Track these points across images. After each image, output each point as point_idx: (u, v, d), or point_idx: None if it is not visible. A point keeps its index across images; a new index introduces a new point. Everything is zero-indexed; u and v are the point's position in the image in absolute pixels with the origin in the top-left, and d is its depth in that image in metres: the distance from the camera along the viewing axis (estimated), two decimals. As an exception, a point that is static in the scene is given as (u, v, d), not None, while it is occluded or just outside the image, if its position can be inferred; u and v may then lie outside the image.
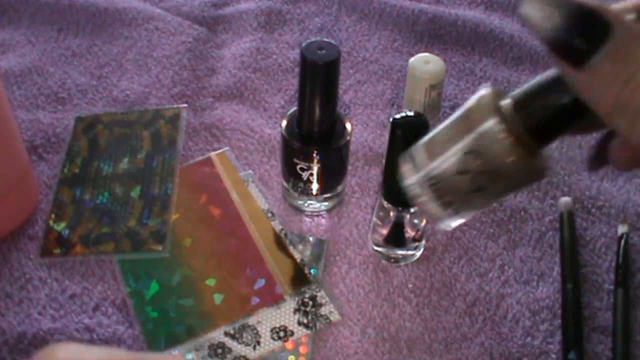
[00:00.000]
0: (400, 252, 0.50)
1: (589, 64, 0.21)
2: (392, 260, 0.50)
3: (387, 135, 0.60)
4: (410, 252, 0.50)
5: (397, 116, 0.43)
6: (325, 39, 0.46)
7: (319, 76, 0.46)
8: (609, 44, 0.20)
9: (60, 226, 0.52)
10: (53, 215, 0.53)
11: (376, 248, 0.50)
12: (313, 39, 0.46)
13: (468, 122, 0.28)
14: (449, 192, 0.29)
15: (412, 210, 0.47)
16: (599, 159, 0.27)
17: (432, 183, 0.30)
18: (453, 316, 0.48)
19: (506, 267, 0.51)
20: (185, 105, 0.63)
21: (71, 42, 0.70)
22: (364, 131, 0.61)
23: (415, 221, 0.48)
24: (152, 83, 0.65)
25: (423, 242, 0.51)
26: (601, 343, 0.47)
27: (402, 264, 0.50)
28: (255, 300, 0.47)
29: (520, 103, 0.27)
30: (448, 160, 0.29)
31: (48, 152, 0.58)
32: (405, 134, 0.42)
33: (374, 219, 0.49)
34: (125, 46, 0.70)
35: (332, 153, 0.50)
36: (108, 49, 0.69)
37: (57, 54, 0.68)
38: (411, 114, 0.43)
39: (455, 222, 0.31)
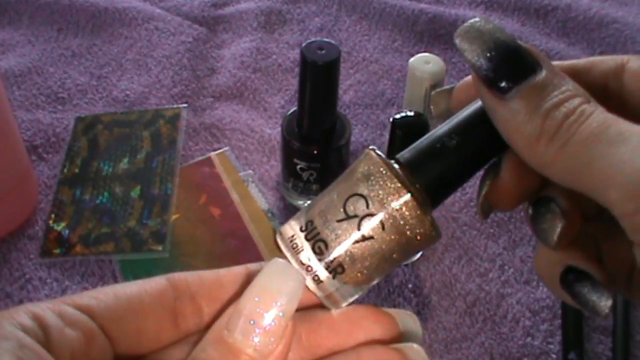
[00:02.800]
0: None
1: (511, 94, 0.22)
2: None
3: (387, 135, 0.60)
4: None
5: (397, 116, 0.43)
6: (325, 39, 0.46)
7: (319, 76, 0.46)
8: (532, 78, 0.22)
9: (60, 226, 0.52)
10: (53, 215, 0.53)
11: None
12: (313, 39, 0.46)
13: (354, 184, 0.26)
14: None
15: None
16: (487, 204, 0.27)
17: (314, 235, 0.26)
18: (453, 316, 0.48)
19: (506, 267, 0.51)
20: (185, 105, 0.63)
21: (71, 42, 0.70)
22: (364, 131, 0.61)
23: None
24: (152, 83, 0.65)
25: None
26: (601, 343, 0.47)
27: (402, 264, 0.50)
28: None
29: (412, 161, 0.25)
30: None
31: (48, 152, 0.58)
32: (405, 133, 0.42)
33: None
34: (125, 46, 0.70)
35: (332, 153, 0.50)
36: (108, 49, 0.69)
37: (57, 54, 0.68)
38: (411, 114, 0.43)
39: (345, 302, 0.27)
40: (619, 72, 0.25)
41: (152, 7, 0.74)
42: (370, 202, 0.25)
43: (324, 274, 0.25)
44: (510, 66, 0.22)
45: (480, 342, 0.46)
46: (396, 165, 0.26)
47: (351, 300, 0.26)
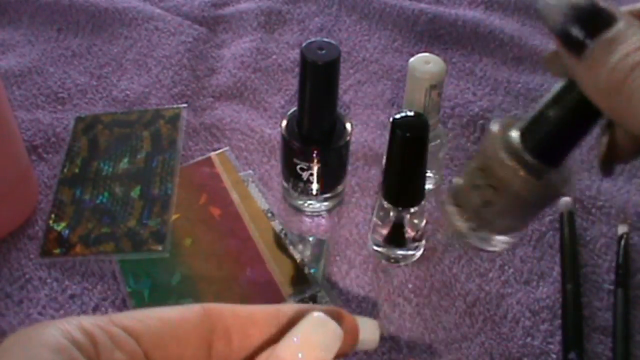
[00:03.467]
0: (400, 252, 0.50)
1: (587, 52, 0.22)
2: (392, 261, 0.50)
3: (387, 135, 0.60)
4: (410, 253, 0.50)
5: (397, 116, 0.43)
6: (325, 39, 0.46)
7: (319, 76, 0.46)
8: (608, 33, 0.22)
9: (60, 226, 0.52)
10: (53, 215, 0.53)
11: (376, 248, 0.50)
12: (313, 39, 0.46)
13: (484, 157, 0.30)
14: (465, 207, 0.31)
15: (412, 210, 0.47)
16: (607, 161, 0.28)
17: (453, 198, 0.32)
18: (453, 316, 0.48)
19: (506, 267, 0.51)
20: (185, 105, 0.63)
21: (71, 42, 0.70)
22: (364, 131, 0.61)
23: (416, 221, 0.48)
24: (152, 83, 0.65)
25: (423, 242, 0.51)
26: (601, 343, 0.47)
27: (402, 264, 0.50)
28: (255, 300, 0.47)
29: (525, 130, 0.29)
30: (465, 177, 0.31)
31: (48, 152, 0.58)
32: (405, 134, 0.42)
33: (374, 219, 0.49)
34: (125, 46, 0.70)
35: (332, 153, 0.50)
36: (108, 49, 0.69)
37: (57, 54, 0.68)
38: (411, 114, 0.43)
39: (492, 245, 0.33)
40: None
41: (152, 7, 0.74)
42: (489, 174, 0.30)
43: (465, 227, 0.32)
44: (583, 24, 0.22)
45: (480, 342, 0.46)
46: (514, 136, 0.29)
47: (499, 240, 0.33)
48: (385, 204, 0.47)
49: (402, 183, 0.46)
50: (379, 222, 0.49)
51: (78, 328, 0.24)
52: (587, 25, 0.23)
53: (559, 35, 0.23)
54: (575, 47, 0.23)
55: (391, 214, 0.48)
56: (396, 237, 0.49)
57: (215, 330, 0.27)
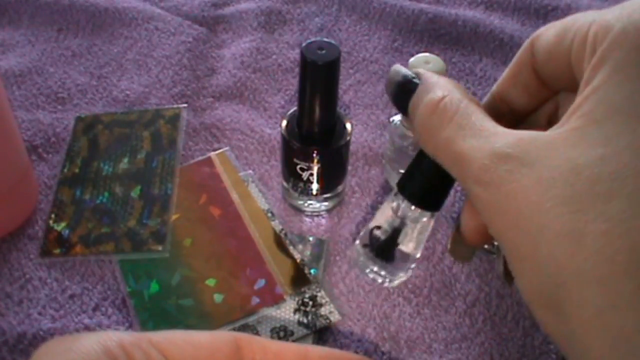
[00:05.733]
0: (381, 267, 0.41)
1: (408, 112, 0.29)
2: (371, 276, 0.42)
3: (387, 135, 0.60)
4: (395, 275, 0.41)
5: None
6: (325, 39, 0.46)
7: (319, 76, 0.46)
8: (414, 95, 0.29)
9: (60, 226, 0.52)
10: (53, 215, 0.53)
11: (361, 252, 0.41)
12: (313, 39, 0.46)
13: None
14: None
15: (424, 219, 0.41)
16: (456, 249, 0.33)
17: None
18: (453, 316, 0.48)
19: (506, 267, 0.51)
20: (185, 105, 0.63)
21: (71, 42, 0.70)
22: (364, 131, 0.61)
23: (414, 235, 0.42)
24: (152, 83, 0.65)
25: (409, 271, 0.43)
26: (601, 343, 0.46)
27: (381, 281, 0.42)
28: (255, 300, 0.47)
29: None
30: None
31: (48, 152, 0.58)
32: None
33: (377, 218, 0.43)
34: (125, 46, 0.70)
35: (332, 153, 0.50)
36: (108, 49, 0.69)
37: (57, 54, 0.68)
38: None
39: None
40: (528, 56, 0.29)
41: (152, 7, 0.74)
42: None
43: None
44: (399, 94, 0.30)
45: (480, 342, 0.46)
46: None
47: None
48: (398, 203, 0.41)
49: (427, 181, 0.40)
50: (378, 221, 0.44)
51: (118, 345, 0.24)
52: (402, 94, 0.30)
53: (393, 104, 0.30)
54: (402, 111, 0.30)
55: (398, 214, 0.42)
56: (388, 246, 0.40)
57: None
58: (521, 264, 0.23)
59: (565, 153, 0.23)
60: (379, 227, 0.39)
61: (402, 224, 0.39)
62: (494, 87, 0.31)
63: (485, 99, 0.32)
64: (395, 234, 0.39)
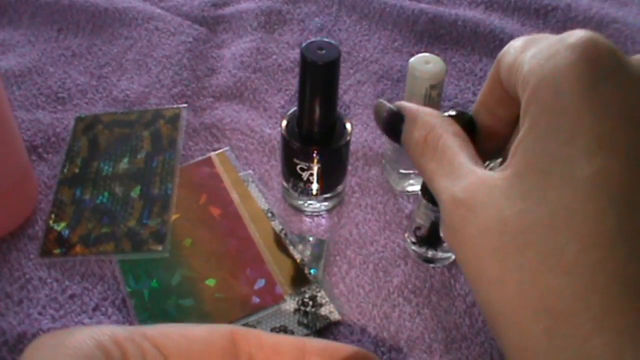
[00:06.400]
0: (434, 252, 0.50)
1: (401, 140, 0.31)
2: (427, 261, 0.50)
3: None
4: (446, 255, 0.50)
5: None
6: (325, 39, 0.46)
7: (319, 76, 0.46)
8: (403, 133, 0.31)
9: (60, 226, 0.52)
10: (53, 215, 0.53)
11: (413, 247, 0.50)
12: (313, 39, 0.46)
13: None
14: None
15: None
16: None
17: None
18: (453, 316, 0.48)
19: (506, 267, 0.51)
20: (185, 105, 0.63)
21: (71, 42, 0.70)
22: (364, 131, 0.61)
23: None
24: (152, 83, 0.65)
25: None
26: (601, 343, 0.46)
27: (438, 265, 0.50)
28: (255, 300, 0.47)
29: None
30: None
31: (48, 152, 0.58)
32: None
33: (416, 218, 0.49)
34: (125, 46, 0.70)
35: (332, 153, 0.50)
36: (108, 49, 0.69)
37: (57, 54, 0.68)
38: (453, 113, 0.41)
39: None
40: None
41: (152, 7, 0.74)
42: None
43: None
44: (388, 132, 0.33)
45: (480, 342, 0.46)
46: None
47: None
48: (424, 204, 0.47)
49: None
50: (416, 221, 0.49)
51: (111, 339, 0.24)
52: (391, 129, 0.32)
53: (384, 133, 0.33)
54: (393, 138, 0.32)
55: (429, 213, 0.48)
56: (431, 238, 0.49)
57: (240, 355, 0.27)
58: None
59: (498, 203, 0.25)
60: (419, 228, 0.49)
61: (437, 217, 0.47)
62: (478, 97, 0.32)
63: (472, 108, 0.33)
64: (434, 226, 0.48)
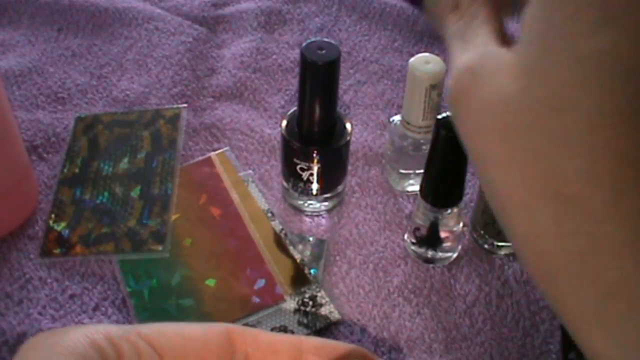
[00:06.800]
0: (434, 252, 0.50)
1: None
2: (427, 261, 0.50)
3: (387, 135, 0.60)
4: (446, 255, 0.50)
5: (440, 116, 0.43)
6: (325, 39, 0.46)
7: (319, 76, 0.46)
8: None
9: (60, 226, 0.52)
10: (53, 215, 0.53)
11: (412, 248, 0.50)
12: (313, 39, 0.46)
13: None
14: None
15: (448, 211, 0.47)
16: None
17: None
18: (453, 316, 0.48)
19: (506, 267, 0.51)
20: (185, 105, 0.63)
21: (71, 42, 0.70)
22: (364, 131, 0.61)
23: (451, 224, 0.48)
24: (152, 83, 0.65)
25: (459, 246, 0.51)
26: (601, 343, 0.46)
27: (438, 265, 0.50)
28: (255, 300, 0.47)
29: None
30: None
31: (48, 152, 0.58)
32: (449, 133, 0.42)
33: (415, 219, 0.49)
34: (125, 46, 0.70)
35: (332, 153, 0.50)
36: (108, 49, 0.69)
37: (57, 54, 0.68)
38: None
39: None
40: None
41: (152, 7, 0.74)
42: None
43: None
44: None
45: (480, 342, 0.46)
46: None
47: None
48: (423, 205, 0.47)
49: (441, 183, 0.46)
50: (415, 222, 0.49)
51: (106, 338, 0.24)
52: None
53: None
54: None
55: (428, 214, 0.48)
56: (431, 238, 0.49)
57: (236, 354, 0.27)
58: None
59: (502, 78, 0.24)
60: (418, 228, 0.49)
61: (436, 218, 0.48)
62: None
63: None
64: (433, 227, 0.48)
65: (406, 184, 0.55)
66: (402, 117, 0.53)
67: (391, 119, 0.55)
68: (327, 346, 0.28)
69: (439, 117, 0.43)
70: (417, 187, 0.55)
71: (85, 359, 0.23)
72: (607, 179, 0.21)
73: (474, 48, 0.26)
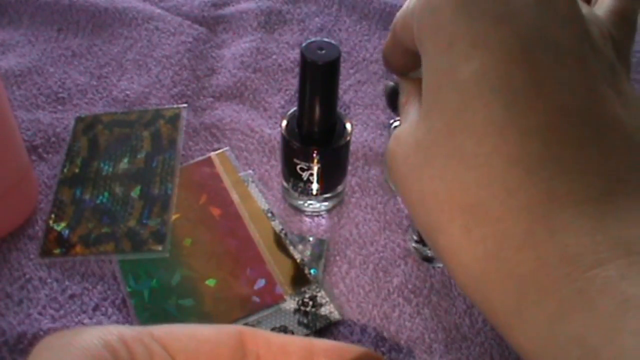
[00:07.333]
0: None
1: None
2: (427, 260, 0.51)
3: (387, 135, 0.60)
4: None
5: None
6: (325, 39, 0.46)
7: (319, 76, 0.46)
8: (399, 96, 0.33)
9: (60, 226, 0.52)
10: (53, 215, 0.53)
11: (414, 245, 0.51)
12: (313, 39, 0.46)
13: None
14: None
15: None
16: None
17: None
18: (453, 316, 0.48)
19: (506, 267, 0.51)
20: (185, 105, 0.63)
21: (71, 42, 0.70)
22: (364, 131, 0.61)
23: None
24: (152, 83, 0.65)
25: None
26: (601, 343, 0.46)
27: (436, 265, 0.50)
28: (255, 300, 0.47)
29: None
30: None
31: (48, 152, 0.58)
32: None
33: None
34: (125, 46, 0.70)
35: (332, 153, 0.50)
36: (108, 49, 0.69)
37: (57, 54, 0.68)
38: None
39: None
40: None
41: (152, 7, 0.74)
42: None
43: None
44: (390, 104, 0.37)
45: (480, 342, 0.46)
46: None
47: None
48: None
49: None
50: None
51: (119, 340, 0.24)
52: (392, 101, 0.35)
53: (390, 109, 0.36)
54: (393, 110, 0.35)
55: None
56: None
57: (247, 356, 0.27)
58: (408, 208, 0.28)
59: (414, 130, 0.27)
60: None
61: None
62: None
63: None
64: None
65: None
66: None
67: (391, 121, 0.55)
68: (338, 349, 0.29)
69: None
70: None
71: None
72: (499, 180, 0.23)
73: (403, 122, 0.29)
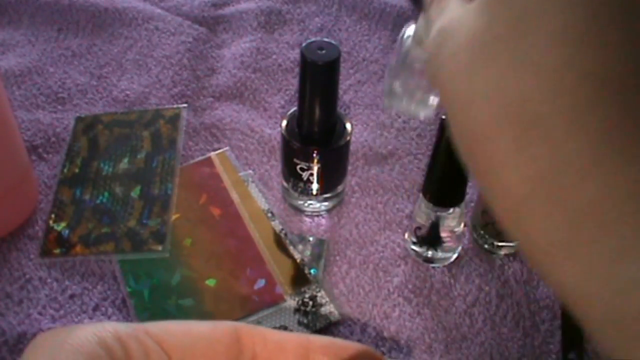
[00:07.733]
0: (434, 253, 0.50)
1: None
2: (427, 261, 0.51)
3: (387, 135, 0.60)
4: (447, 255, 0.50)
5: (445, 116, 0.43)
6: (325, 39, 0.46)
7: (319, 76, 0.46)
8: None
9: (60, 226, 0.52)
10: (53, 215, 0.53)
11: (413, 247, 0.51)
12: (313, 39, 0.46)
13: None
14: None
15: (449, 211, 0.47)
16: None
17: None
18: (453, 316, 0.48)
19: (506, 267, 0.51)
20: (185, 105, 0.63)
21: (71, 42, 0.70)
22: (364, 131, 0.61)
23: (452, 224, 0.48)
24: (152, 83, 0.65)
25: (459, 247, 0.51)
26: (601, 343, 0.46)
27: (436, 265, 0.50)
28: (255, 300, 0.47)
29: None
30: None
31: (48, 152, 0.58)
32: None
33: (416, 218, 0.49)
34: (125, 46, 0.70)
35: (332, 153, 0.50)
36: (108, 49, 0.69)
37: (57, 54, 0.68)
38: None
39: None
40: None
41: (152, 7, 0.74)
42: None
43: None
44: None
45: (480, 342, 0.46)
46: None
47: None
48: (424, 204, 0.47)
49: (443, 182, 0.46)
50: (416, 221, 0.49)
51: (114, 337, 0.24)
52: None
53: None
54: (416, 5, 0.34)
55: (429, 213, 0.48)
56: (431, 238, 0.49)
57: (243, 352, 0.27)
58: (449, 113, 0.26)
59: (469, 22, 0.24)
60: (419, 227, 0.49)
61: (437, 217, 0.48)
62: None
63: None
64: (434, 226, 0.48)
65: (396, 102, 0.54)
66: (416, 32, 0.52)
67: (442, 117, 0.54)
68: (335, 346, 0.28)
69: (444, 116, 0.43)
70: (404, 109, 0.52)
71: (93, 357, 0.23)
72: (567, 96, 0.20)
73: (446, 14, 0.26)
